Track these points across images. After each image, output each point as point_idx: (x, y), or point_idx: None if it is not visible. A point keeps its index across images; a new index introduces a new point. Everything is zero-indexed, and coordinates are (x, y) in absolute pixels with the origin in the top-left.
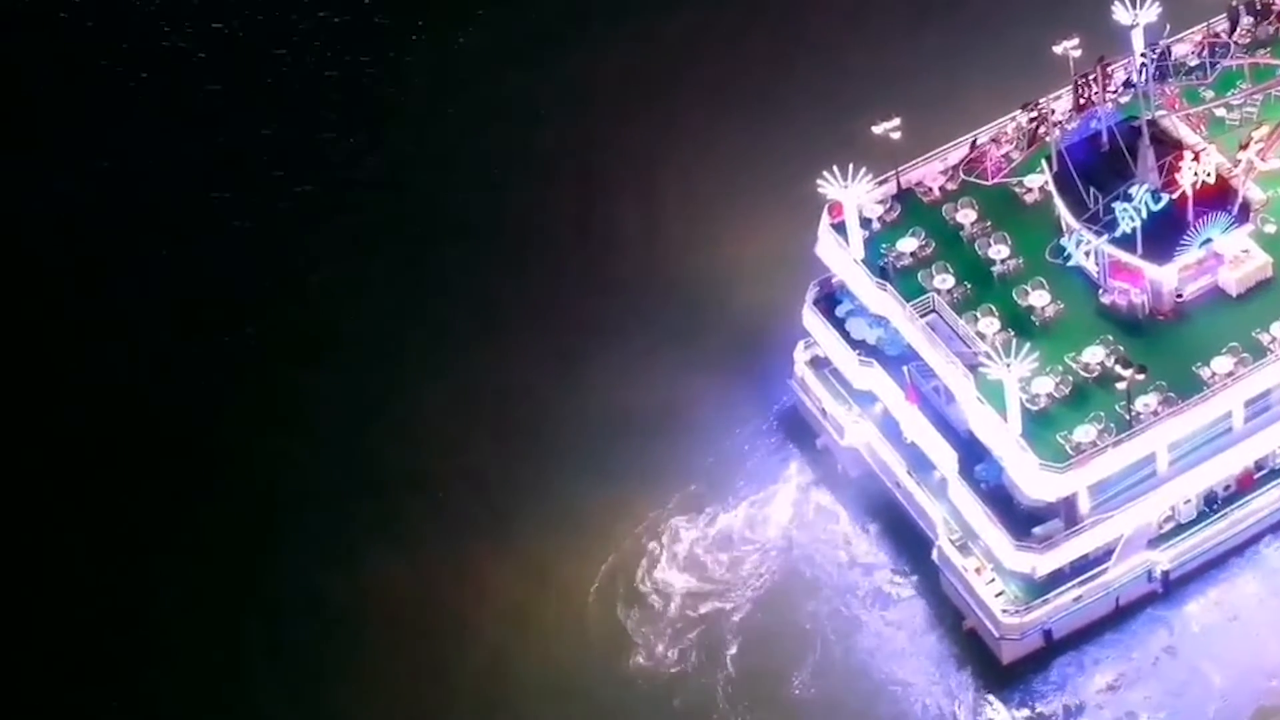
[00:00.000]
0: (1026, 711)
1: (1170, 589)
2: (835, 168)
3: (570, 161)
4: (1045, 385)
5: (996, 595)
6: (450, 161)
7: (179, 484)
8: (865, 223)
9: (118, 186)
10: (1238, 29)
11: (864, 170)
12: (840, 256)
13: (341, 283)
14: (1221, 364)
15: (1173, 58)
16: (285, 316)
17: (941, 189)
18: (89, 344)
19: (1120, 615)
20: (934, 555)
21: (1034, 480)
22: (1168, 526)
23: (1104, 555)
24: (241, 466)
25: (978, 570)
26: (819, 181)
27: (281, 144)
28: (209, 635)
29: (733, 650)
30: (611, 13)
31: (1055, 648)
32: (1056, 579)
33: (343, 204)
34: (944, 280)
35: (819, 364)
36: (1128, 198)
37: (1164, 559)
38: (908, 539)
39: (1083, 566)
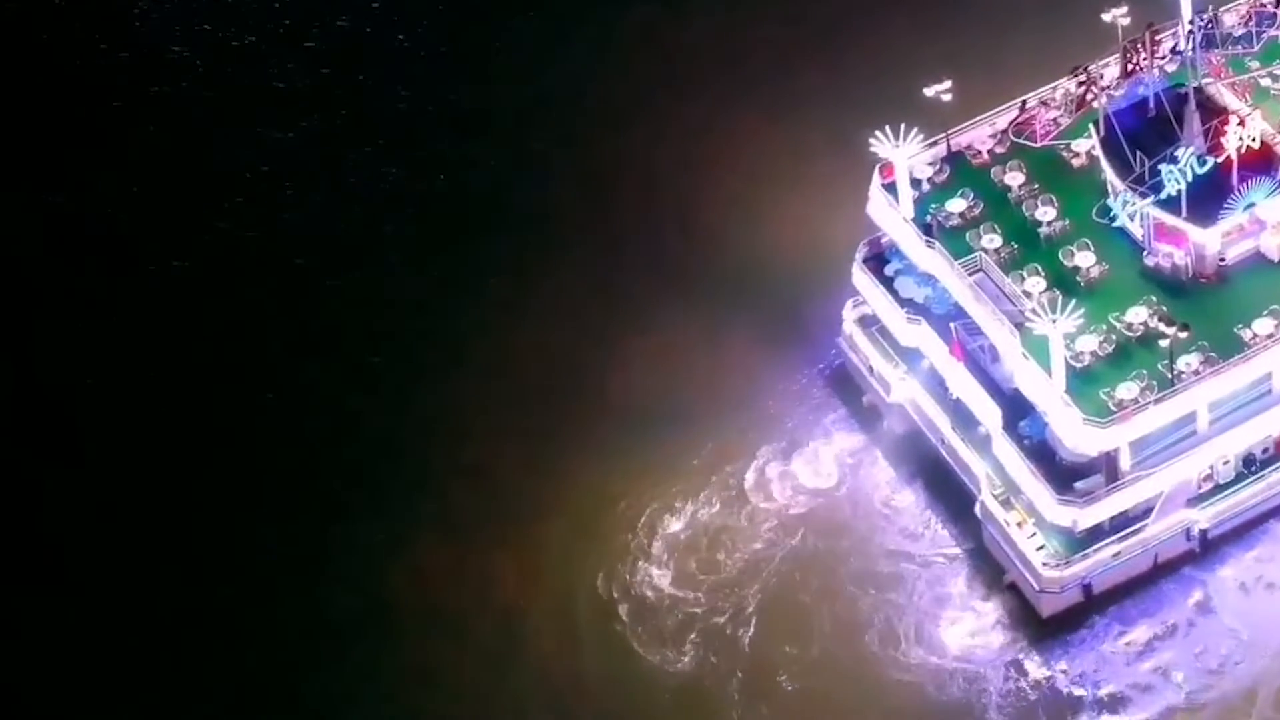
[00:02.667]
0: (1064, 664)
1: (1208, 548)
2: (887, 127)
3: (615, 122)
4: (1089, 343)
5: (1038, 549)
6: (488, 137)
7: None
8: (915, 184)
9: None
10: None
11: (915, 130)
12: (890, 215)
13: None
14: (1263, 326)
15: (1220, 26)
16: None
17: (990, 152)
18: (144, 332)
19: (1158, 573)
20: (977, 510)
21: (1077, 435)
22: (1206, 486)
23: (1143, 513)
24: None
25: (1020, 525)
26: (871, 140)
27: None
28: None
29: (774, 596)
30: None
31: (1094, 603)
32: (1096, 535)
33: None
34: (991, 240)
35: (867, 323)
36: (1173, 160)
37: (1202, 518)
38: (951, 495)
39: (1123, 523)
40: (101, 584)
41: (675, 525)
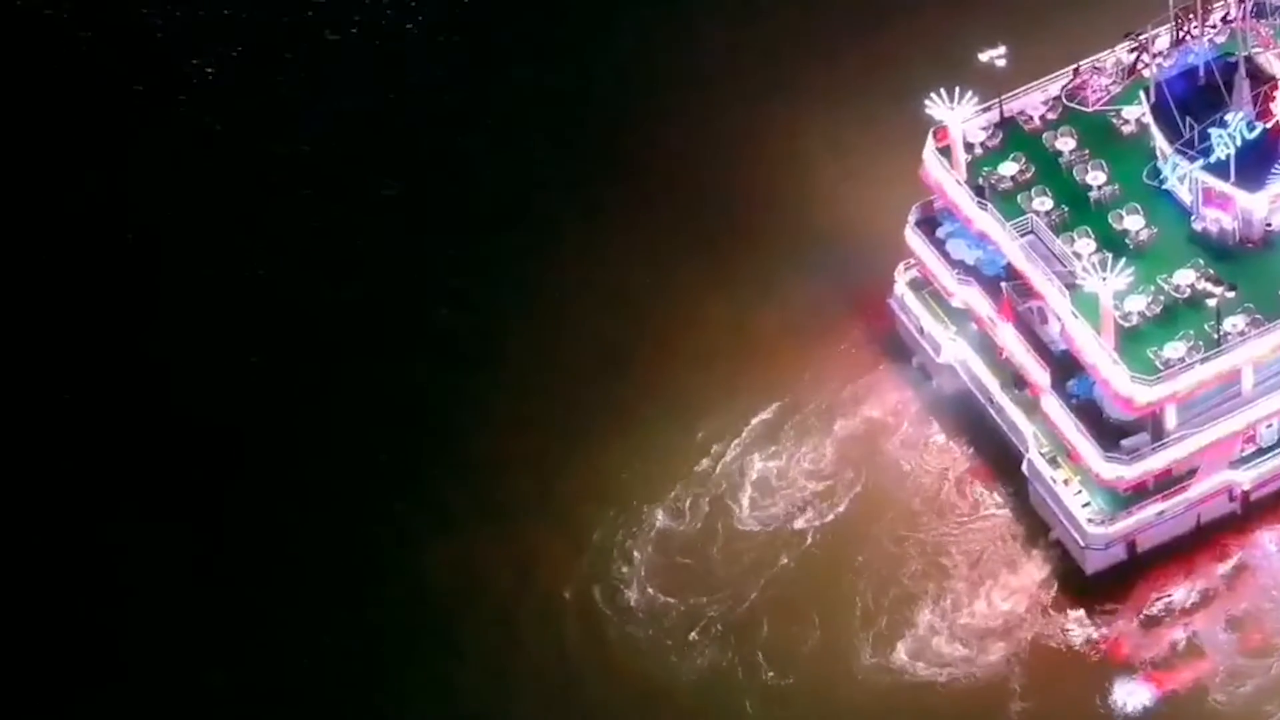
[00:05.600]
0: (1106, 620)
1: (1249, 510)
2: (942, 90)
3: (676, 93)
4: (1138, 304)
5: (1083, 506)
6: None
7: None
8: (968, 148)
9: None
10: None
11: (970, 93)
12: (944, 177)
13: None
14: None
15: None
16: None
17: (1042, 118)
18: (183, 334)
19: (1201, 534)
20: (1024, 467)
21: (1126, 391)
22: (1249, 449)
23: (1187, 475)
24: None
25: (1066, 482)
26: (927, 102)
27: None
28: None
29: (822, 552)
30: None
31: (1137, 562)
32: (1141, 493)
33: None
34: (1042, 203)
35: (917, 285)
36: (1223, 124)
37: (1245, 479)
38: (997, 454)
39: (1167, 483)
40: (144, 578)
41: (745, 477)
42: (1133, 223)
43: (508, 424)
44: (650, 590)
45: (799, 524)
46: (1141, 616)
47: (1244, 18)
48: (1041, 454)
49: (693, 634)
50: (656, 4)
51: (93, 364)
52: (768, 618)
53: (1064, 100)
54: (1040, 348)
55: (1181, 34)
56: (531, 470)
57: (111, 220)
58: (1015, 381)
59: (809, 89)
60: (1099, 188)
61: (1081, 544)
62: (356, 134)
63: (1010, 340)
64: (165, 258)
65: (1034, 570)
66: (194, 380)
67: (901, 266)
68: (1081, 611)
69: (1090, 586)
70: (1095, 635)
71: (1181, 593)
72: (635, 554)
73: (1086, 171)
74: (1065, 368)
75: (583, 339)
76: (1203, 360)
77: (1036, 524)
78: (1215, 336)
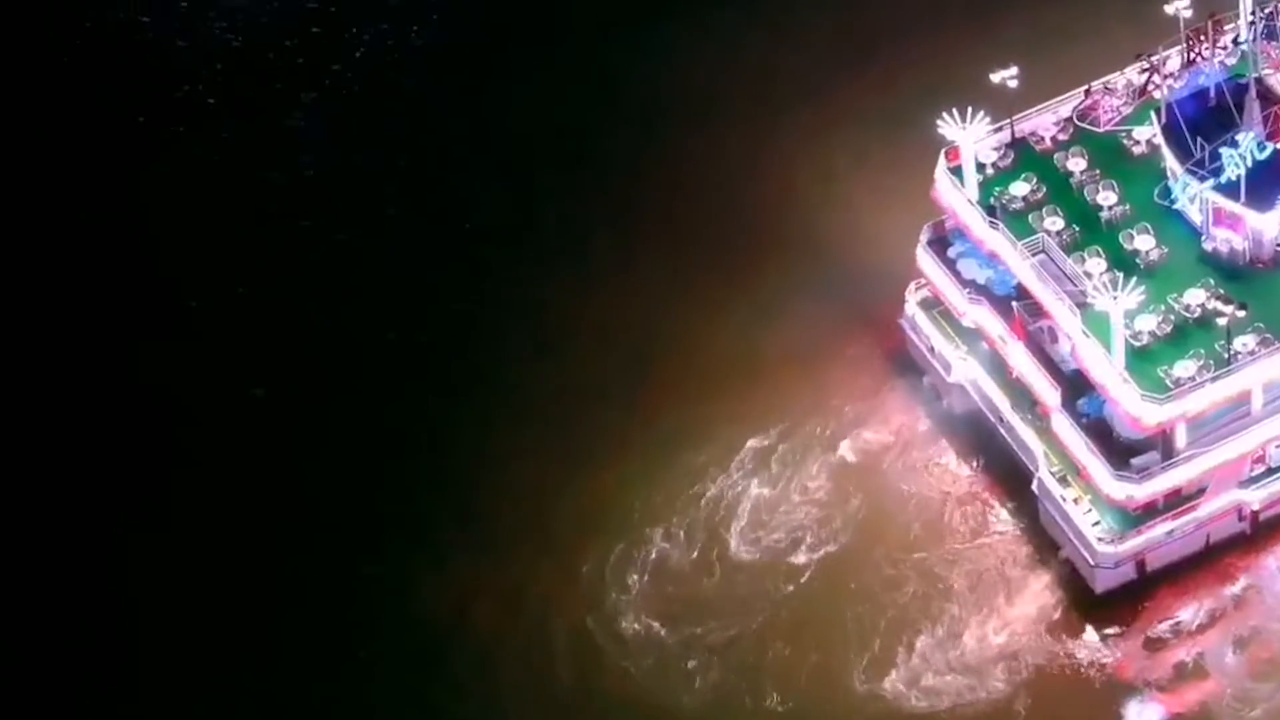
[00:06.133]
0: (1114, 640)
1: (1258, 531)
2: (954, 110)
3: (692, 117)
4: (1148, 323)
5: (1093, 525)
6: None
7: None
8: (979, 168)
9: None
10: None
11: (981, 113)
12: (956, 197)
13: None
14: None
15: None
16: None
17: (1053, 139)
18: (175, 363)
19: (1210, 553)
20: (1034, 486)
21: (1136, 410)
22: (1259, 469)
23: (1196, 494)
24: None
25: (1076, 501)
26: (939, 121)
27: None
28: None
29: (823, 578)
30: None
31: (1146, 581)
32: (1150, 512)
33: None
34: (1053, 223)
35: (928, 305)
36: (1234, 144)
37: (1254, 499)
38: (1006, 473)
39: (1176, 502)
40: (147, 595)
41: (744, 501)
42: (1143, 243)
43: (504, 453)
44: (646, 619)
45: (800, 550)
46: (1149, 637)
47: (1255, 39)
48: (1051, 473)
49: (690, 663)
50: (659, 24)
51: (91, 394)
52: (767, 646)
53: (1075, 120)
54: (1051, 367)
55: (1192, 56)
56: (528, 499)
57: (112, 249)
58: (1030, 403)
59: (808, 117)
60: (1110, 208)
61: (1091, 563)
62: (355, 163)
63: (1021, 359)
64: (166, 286)
65: (1041, 591)
66: (187, 410)
67: (912, 286)
68: (1089, 633)
69: (1098, 607)
70: (1102, 657)
71: (1189, 613)
72: (631, 582)
73: (1097, 191)
74: (1075, 387)
75: (583, 365)
76: (1213, 379)
77: (1044, 544)
78: (1225, 356)
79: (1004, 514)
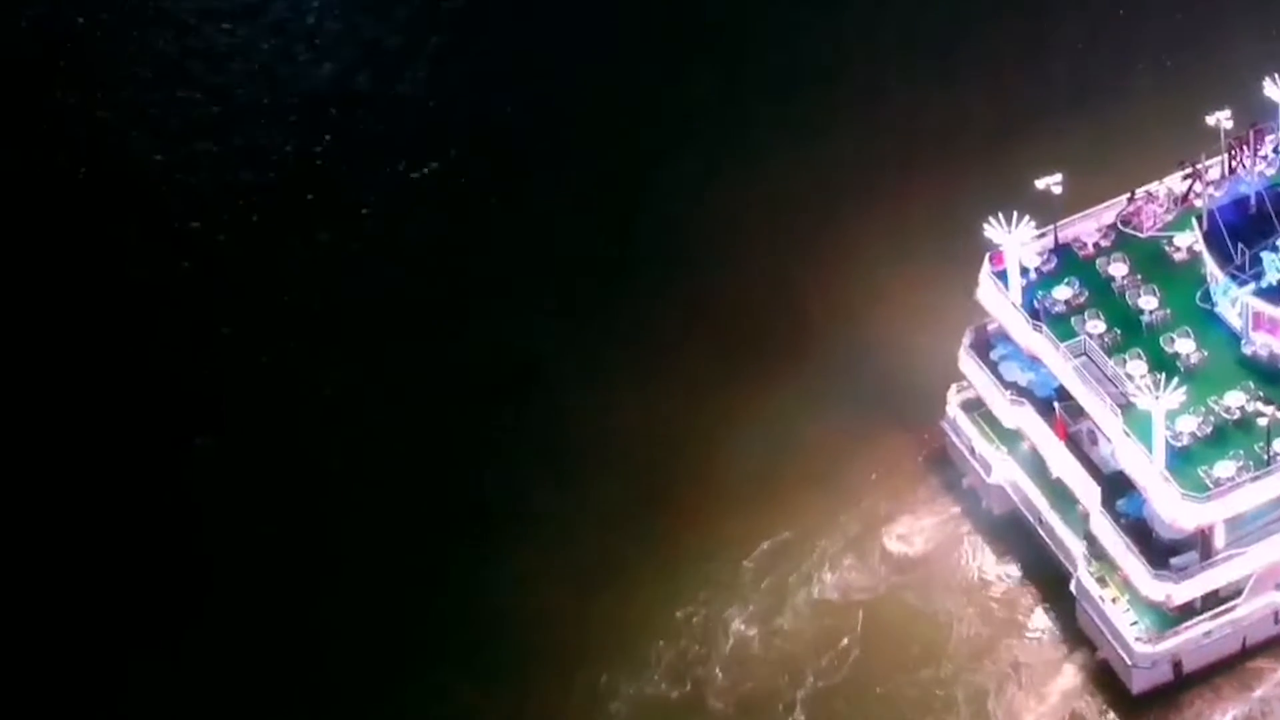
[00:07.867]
0: None
1: None
2: (1000, 214)
3: (736, 205)
4: (1188, 424)
5: (1131, 624)
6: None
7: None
8: (1023, 272)
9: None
10: None
11: (1026, 218)
12: (999, 300)
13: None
14: None
15: None
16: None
17: (1096, 245)
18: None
19: (1246, 656)
20: (1072, 586)
21: (1176, 509)
22: None
23: (1234, 595)
24: None
25: (1114, 600)
26: (985, 224)
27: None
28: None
29: (867, 669)
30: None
31: (1183, 682)
32: (1188, 613)
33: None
34: (1095, 326)
35: (969, 406)
36: (1275, 249)
37: None
38: (1044, 573)
39: (1214, 603)
40: (221, 595)
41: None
42: (1184, 346)
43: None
44: None
45: (825, 656)
46: None
47: None
48: (1090, 573)
49: None
50: (685, 147)
51: (113, 455)
52: None
53: (1119, 225)
54: (1091, 468)
55: (1233, 164)
56: (543, 622)
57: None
58: (1071, 503)
59: (852, 217)
60: (1151, 312)
61: (1129, 662)
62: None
63: (1062, 460)
64: (187, 349)
65: (1078, 692)
66: (212, 480)
67: (954, 388)
68: None
69: (1135, 708)
70: None
71: (1223, 715)
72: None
73: (1139, 295)
74: (1115, 487)
75: (619, 476)
76: (1253, 479)
77: (1081, 644)
78: (1265, 457)
79: (1040, 614)
